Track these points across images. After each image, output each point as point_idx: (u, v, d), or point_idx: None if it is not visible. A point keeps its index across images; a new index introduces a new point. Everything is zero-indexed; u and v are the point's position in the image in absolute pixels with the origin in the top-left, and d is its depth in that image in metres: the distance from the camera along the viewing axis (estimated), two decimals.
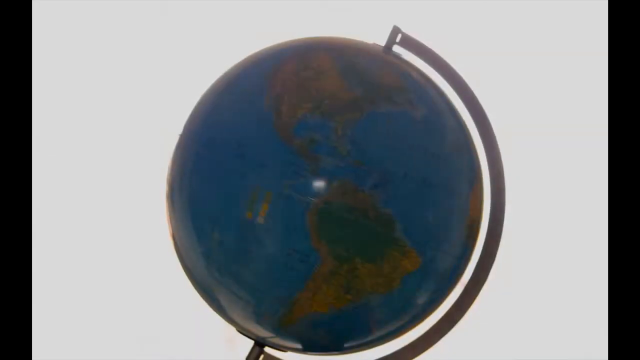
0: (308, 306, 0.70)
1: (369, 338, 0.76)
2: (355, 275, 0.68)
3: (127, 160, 1.26)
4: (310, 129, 0.69)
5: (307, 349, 0.78)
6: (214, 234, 0.71)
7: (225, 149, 0.71)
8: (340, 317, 0.71)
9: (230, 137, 0.72)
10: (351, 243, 0.68)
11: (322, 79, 0.72)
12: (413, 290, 0.72)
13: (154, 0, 1.33)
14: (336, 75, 0.73)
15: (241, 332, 0.79)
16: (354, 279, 0.68)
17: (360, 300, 0.69)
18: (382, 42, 0.80)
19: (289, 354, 0.80)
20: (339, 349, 0.77)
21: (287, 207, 0.68)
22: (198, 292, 0.79)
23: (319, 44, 0.79)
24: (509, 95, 1.20)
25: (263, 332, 0.77)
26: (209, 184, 0.72)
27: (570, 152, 1.22)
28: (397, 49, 0.80)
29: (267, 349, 0.80)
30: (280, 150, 0.69)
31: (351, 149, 0.68)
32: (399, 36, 0.80)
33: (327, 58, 0.74)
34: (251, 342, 0.80)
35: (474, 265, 0.78)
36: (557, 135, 1.22)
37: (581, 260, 1.19)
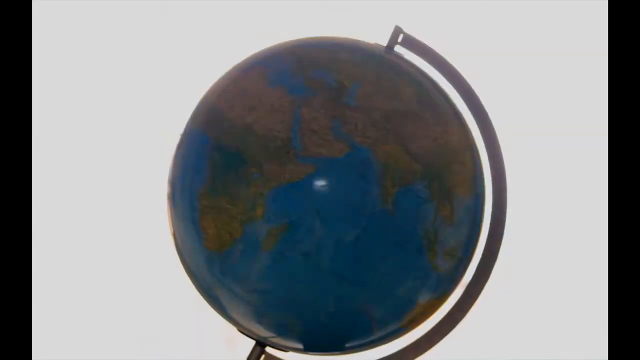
0: None
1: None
2: None
3: (128, 160, 1.26)
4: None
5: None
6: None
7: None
8: None
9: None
10: None
11: None
12: None
13: (154, 0, 1.33)
14: None
15: (242, 332, 0.79)
16: None
17: None
18: (384, 42, 0.80)
19: (290, 354, 0.80)
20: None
21: None
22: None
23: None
24: (510, 95, 1.21)
25: (264, 332, 0.77)
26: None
27: (570, 152, 1.22)
28: (399, 49, 0.80)
29: (268, 349, 0.80)
30: None
31: None
32: (401, 36, 0.80)
33: None
34: (252, 342, 0.80)
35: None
36: (557, 135, 1.22)
37: (582, 261, 1.20)
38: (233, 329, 0.80)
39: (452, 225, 0.72)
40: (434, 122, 0.73)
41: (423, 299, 0.74)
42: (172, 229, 0.79)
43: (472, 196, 0.75)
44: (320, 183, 0.68)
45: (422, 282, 0.72)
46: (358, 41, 0.80)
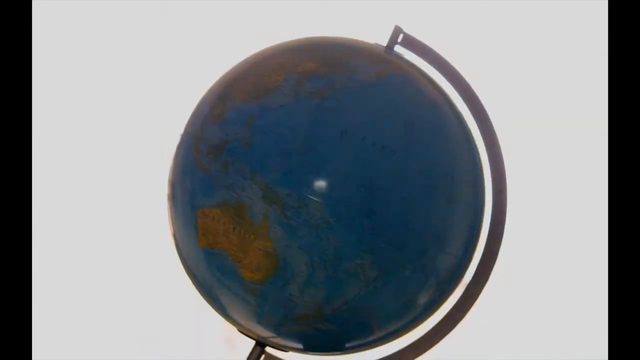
0: None
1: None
2: None
3: (128, 160, 1.26)
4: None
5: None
6: None
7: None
8: None
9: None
10: None
11: None
12: None
13: (154, 0, 1.33)
14: None
15: (242, 332, 0.79)
16: None
17: None
18: (384, 42, 0.80)
19: (290, 354, 0.80)
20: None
21: None
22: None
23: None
24: (510, 95, 1.21)
25: (264, 332, 0.77)
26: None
27: (570, 152, 1.22)
28: (399, 49, 0.80)
29: (268, 349, 0.80)
30: None
31: None
32: (401, 36, 0.80)
33: None
34: (252, 342, 0.80)
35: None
36: (557, 135, 1.22)
37: (581, 261, 1.20)
38: (233, 329, 0.80)
39: (218, 125, 0.73)
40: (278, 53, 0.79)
41: (206, 205, 0.72)
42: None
43: (252, 105, 0.73)
44: None
45: (199, 184, 0.74)
46: (358, 41, 0.80)
